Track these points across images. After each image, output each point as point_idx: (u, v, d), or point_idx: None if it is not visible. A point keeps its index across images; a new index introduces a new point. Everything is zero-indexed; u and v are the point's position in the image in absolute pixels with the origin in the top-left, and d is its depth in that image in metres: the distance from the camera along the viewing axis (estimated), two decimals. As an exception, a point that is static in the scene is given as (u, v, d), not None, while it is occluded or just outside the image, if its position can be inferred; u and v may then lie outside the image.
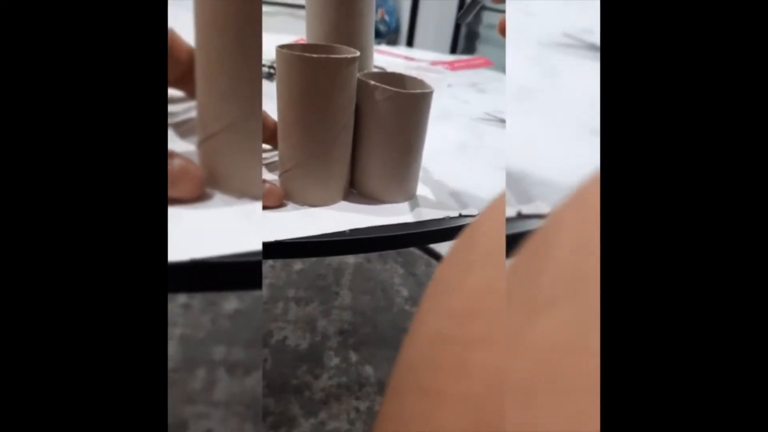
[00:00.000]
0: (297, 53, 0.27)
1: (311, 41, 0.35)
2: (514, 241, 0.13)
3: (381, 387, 0.79)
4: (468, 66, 0.80)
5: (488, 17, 1.76)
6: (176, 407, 0.68)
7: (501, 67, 0.79)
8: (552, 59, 0.50)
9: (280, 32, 0.76)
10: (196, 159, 0.28)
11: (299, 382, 0.77)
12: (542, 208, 0.30)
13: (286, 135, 0.29)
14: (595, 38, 0.54)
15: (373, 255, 1.11)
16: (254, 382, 0.73)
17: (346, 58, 0.27)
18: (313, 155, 0.29)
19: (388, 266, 1.10)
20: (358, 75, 0.29)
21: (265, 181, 0.28)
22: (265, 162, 0.35)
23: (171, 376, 0.72)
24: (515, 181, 0.33)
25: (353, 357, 0.84)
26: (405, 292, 1.02)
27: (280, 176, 0.31)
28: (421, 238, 0.30)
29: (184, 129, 0.33)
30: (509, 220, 0.29)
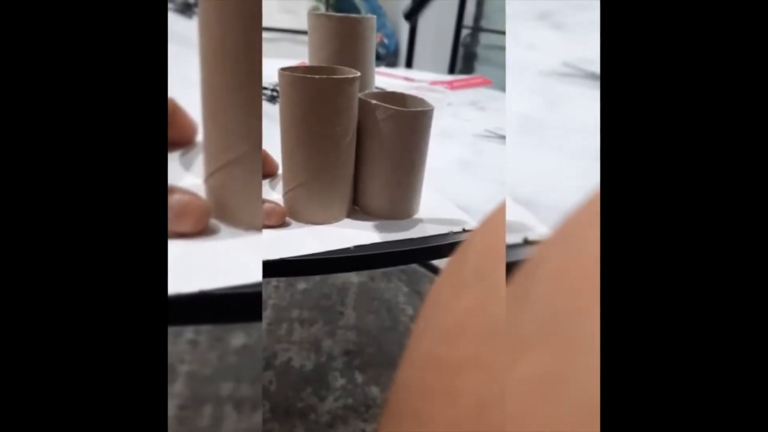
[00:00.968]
0: (299, 75, 0.27)
1: (314, 64, 0.36)
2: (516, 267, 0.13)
3: (388, 408, 0.77)
4: (467, 85, 0.81)
5: (486, 38, 1.80)
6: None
7: (499, 86, 0.80)
8: (554, 89, 0.51)
9: (282, 57, 0.78)
10: (201, 192, 0.28)
11: (304, 404, 0.76)
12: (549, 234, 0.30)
13: (290, 155, 0.30)
14: (595, 67, 0.55)
15: (377, 273, 1.11)
16: (259, 417, 0.72)
17: (347, 78, 0.28)
18: (317, 174, 0.29)
19: (392, 284, 1.09)
20: (359, 95, 0.30)
21: (266, 200, 0.28)
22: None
23: (178, 413, 0.70)
24: (522, 207, 0.33)
25: (359, 378, 0.83)
26: (410, 311, 1.01)
27: (284, 196, 0.31)
28: (425, 253, 0.30)
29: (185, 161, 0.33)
30: (515, 246, 0.29)
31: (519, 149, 0.40)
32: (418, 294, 1.07)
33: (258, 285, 0.23)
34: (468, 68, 1.90)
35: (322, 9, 2.08)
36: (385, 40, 2.11)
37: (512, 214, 0.32)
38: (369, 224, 0.31)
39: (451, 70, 1.73)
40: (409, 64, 1.74)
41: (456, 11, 1.67)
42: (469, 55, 1.89)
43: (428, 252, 0.30)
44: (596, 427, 0.09)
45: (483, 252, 0.15)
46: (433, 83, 0.78)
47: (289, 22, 2.06)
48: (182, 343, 0.83)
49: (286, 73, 0.28)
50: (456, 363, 0.12)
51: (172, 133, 0.33)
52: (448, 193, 0.37)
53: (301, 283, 1.05)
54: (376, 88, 0.59)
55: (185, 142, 0.34)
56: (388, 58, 2.17)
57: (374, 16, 0.37)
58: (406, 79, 0.82)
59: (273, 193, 0.34)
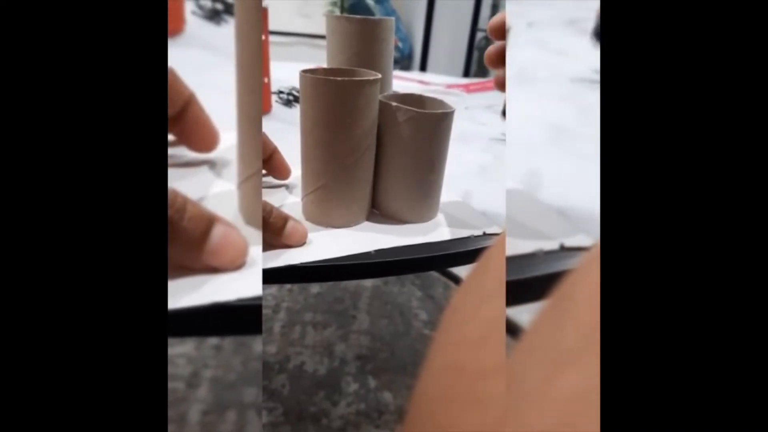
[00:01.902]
0: (321, 77, 0.27)
1: (333, 67, 0.36)
2: (558, 278, 0.13)
3: (401, 415, 0.77)
4: (483, 89, 0.80)
5: (500, 41, 1.79)
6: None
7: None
8: (584, 96, 0.50)
9: (298, 60, 0.78)
10: (234, 198, 0.28)
11: (317, 409, 0.76)
12: (585, 241, 0.30)
13: (309, 158, 0.30)
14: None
15: (391, 277, 1.11)
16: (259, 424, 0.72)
17: (368, 80, 0.27)
18: (336, 177, 0.29)
19: (405, 289, 1.08)
20: (379, 97, 0.30)
21: (289, 217, 0.27)
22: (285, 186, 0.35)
23: (202, 418, 0.71)
24: (555, 214, 0.32)
25: (372, 383, 0.82)
26: (423, 316, 1.00)
27: (303, 199, 0.31)
28: (446, 259, 0.29)
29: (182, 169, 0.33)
30: (551, 253, 0.28)
31: (550, 156, 0.40)
32: (431, 299, 1.06)
33: (258, 298, 0.22)
34: (483, 72, 1.89)
35: (337, 12, 2.09)
36: (399, 44, 2.11)
37: (548, 222, 0.31)
38: (388, 228, 0.31)
39: (466, 73, 1.72)
40: (423, 67, 1.74)
41: (471, 15, 1.67)
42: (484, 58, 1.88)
43: (450, 257, 0.29)
44: None
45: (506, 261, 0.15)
46: (449, 86, 0.77)
47: (304, 26, 2.08)
48: (206, 348, 0.84)
49: (308, 75, 0.27)
50: (478, 371, 0.12)
51: (198, 143, 0.33)
52: (466, 195, 0.37)
53: (315, 287, 1.05)
54: (393, 91, 0.58)
55: (209, 149, 0.34)
56: (402, 61, 2.17)
57: (393, 18, 0.37)
58: (421, 82, 0.82)
59: (290, 197, 0.34)
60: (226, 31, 0.67)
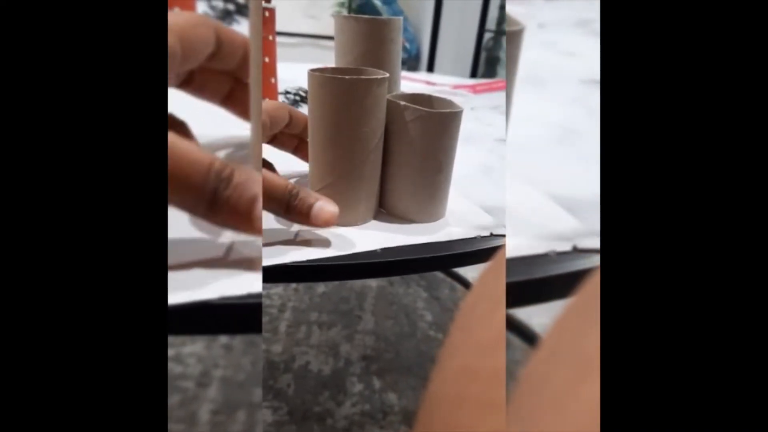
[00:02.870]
0: (330, 75, 0.27)
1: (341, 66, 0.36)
2: (571, 279, 0.13)
3: (405, 416, 0.77)
4: (490, 89, 0.80)
5: (507, 42, 1.78)
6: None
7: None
8: (595, 98, 0.50)
9: (305, 61, 0.78)
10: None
11: (321, 409, 0.76)
12: (598, 242, 0.29)
13: (317, 156, 0.30)
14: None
15: (396, 278, 1.10)
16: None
17: (376, 79, 0.27)
18: (343, 176, 0.29)
19: (411, 290, 1.08)
20: (387, 96, 0.30)
21: (315, 199, 0.27)
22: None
23: (212, 418, 0.71)
24: (571, 216, 0.32)
25: (377, 384, 0.82)
26: (429, 317, 1.00)
27: None
28: (454, 259, 0.29)
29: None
30: (564, 254, 0.28)
31: (560, 157, 0.39)
32: (437, 300, 1.05)
33: (258, 296, 0.22)
34: (490, 72, 1.88)
35: (345, 13, 2.10)
36: (407, 44, 2.11)
37: (561, 223, 0.31)
38: (395, 227, 0.31)
39: (473, 74, 1.72)
40: (430, 68, 1.73)
41: (478, 15, 1.66)
42: (492, 59, 1.88)
43: (456, 258, 0.29)
44: None
45: None
46: (456, 87, 0.77)
47: (311, 28, 2.09)
48: (217, 347, 0.84)
49: (316, 73, 0.27)
50: (491, 375, 0.12)
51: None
52: (473, 196, 0.37)
53: (321, 287, 1.05)
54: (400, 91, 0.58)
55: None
56: (409, 62, 2.17)
57: (401, 18, 0.37)
58: (428, 83, 0.82)
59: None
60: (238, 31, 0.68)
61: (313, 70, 0.28)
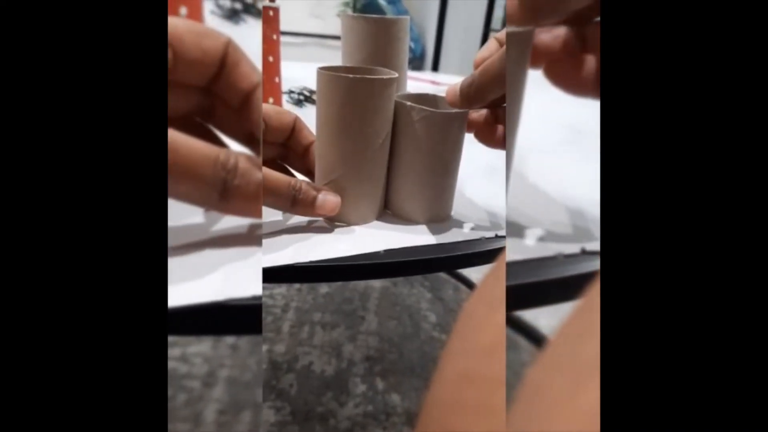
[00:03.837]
0: (337, 74, 0.27)
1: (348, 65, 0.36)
2: (578, 281, 0.13)
3: (408, 417, 0.76)
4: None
5: (513, 42, 1.77)
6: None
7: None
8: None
9: (311, 61, 0.78)
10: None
11: (324, 409, 0.75)
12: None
13: (322, 153, 0.29)
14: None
15: (400, 278, 1.10)
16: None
17: (384, 79, 0.27)
18: (347, 173, 0.29)
19: (414, 290, 1.08)
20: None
21: (318, 191, 0.28)
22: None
23: (218, 418, 0.71)
24: (575, 218, 0.32)
25: (380, 385, 0.82)
26: (432, 318, 1.00)
27: None
28: (458, 260, 0.29)
29: None
30: (572, 256, 0.27)
31: (569, 158, 0.39)
32: (440, 301, 1.05)
33: (258, 298, 0.22)
34: (495, 73, 1.87)
35: (350, 13, 2.10)
36: (412, 44, 2.11)
37: (569, 225, 0.31)
38: (398, 227, 0.31)
39: (478, 74, 1.70)
40: (435, 67, 1.73)
41: (483, 15, 1.66)
42: (496, 59, 1.86)
43: (460, 259, 0.29)
44: None
45: None
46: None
47: (317, 27, 2.09)
48: (223, 347, 0.84)
49: (324, 71, 0.27)
50: (490, 379, 0.12)
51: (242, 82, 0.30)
52: (477, 197, 0.36)
53: (324, 287, 1.05)
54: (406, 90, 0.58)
55: (254, 87, 0.30)
56: (414, 61, 2.17)
57: (408, 17, 0.36)
58: (433, 82, 0.81)
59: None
60: (245, 31, 0.68)
61: (322, 68, 0.28)
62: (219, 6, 0.63)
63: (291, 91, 0.61)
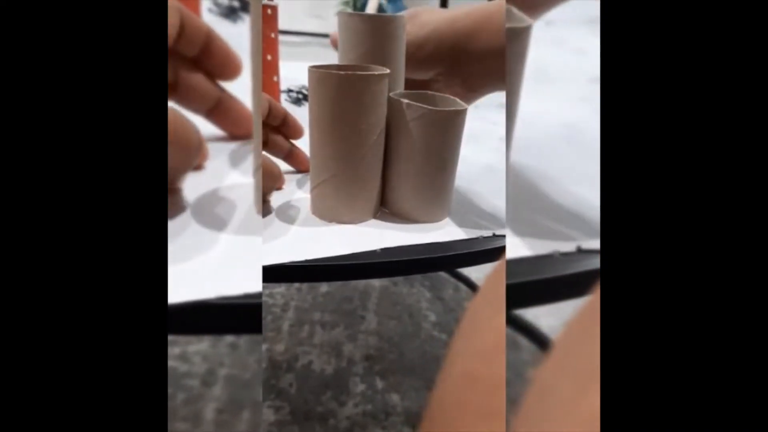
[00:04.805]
0: (325, 71, 0.27)
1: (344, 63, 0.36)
2: (575, 280, 0.13)
3: (408, 417, 0.76)
4: (495, 88, 0.79)
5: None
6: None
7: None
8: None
9: (310, 60, 0.78)
10: (249, 190, 0.31)
11: (324, 409, 0.75)
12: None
13: (316, 151, 0.29)
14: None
15: (400, 277, 1.10)
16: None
17: (374, 75, 0.27)
18: (341, 172, 0.29)
19: (414, 290, 1.08)
20: (390, 94, 0.29)
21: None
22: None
23: (217, 417, 0.71)
24: (572, 216, 0.32)
25: (379, 384, 0.82)
26: (432, 317, 1.00)
27: (310, 192, 0.31)
28: (456, 259, 0.29)
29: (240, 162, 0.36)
30: (568, 255, 0.27)
31: (566, 157, 0.39)
32: (440, 300, 1.05)
33: (258, 295, 0.22)
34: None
35: (350, 11, 2.10)
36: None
37: (564, 223, 0.30)
38: (396, 226, 0.31)
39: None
40: (435, 68, 1.72)
41: (484, 15, 1.65)
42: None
43: (458, 258, 0.29)
44: None
45: None
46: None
47: (317, 27, 2.09)
48: (222, 346, 0.84)
49: (315, 69, 0.27)
50: (493, 380, 0.12)
51: (230, 126, 0.34)
52: (475, 196, 0.36)
53: (324, 286, 1.05)
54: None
55: (241, 137, 0.35)
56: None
57: (405, 16, 0.36)
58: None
59: (299, 192, 0.34)
60: (242, 29, 0.68)
61: (313, 67, 0.28)
62: (217, 4, 0.63)
63: (290, 90, 0.61)
